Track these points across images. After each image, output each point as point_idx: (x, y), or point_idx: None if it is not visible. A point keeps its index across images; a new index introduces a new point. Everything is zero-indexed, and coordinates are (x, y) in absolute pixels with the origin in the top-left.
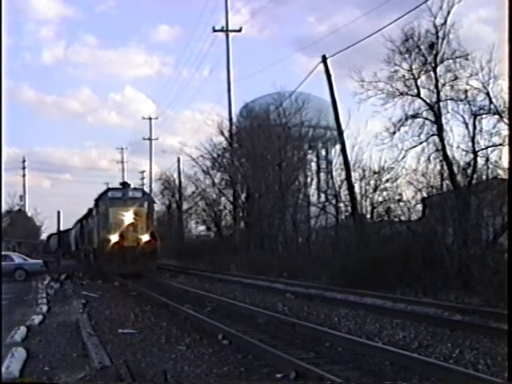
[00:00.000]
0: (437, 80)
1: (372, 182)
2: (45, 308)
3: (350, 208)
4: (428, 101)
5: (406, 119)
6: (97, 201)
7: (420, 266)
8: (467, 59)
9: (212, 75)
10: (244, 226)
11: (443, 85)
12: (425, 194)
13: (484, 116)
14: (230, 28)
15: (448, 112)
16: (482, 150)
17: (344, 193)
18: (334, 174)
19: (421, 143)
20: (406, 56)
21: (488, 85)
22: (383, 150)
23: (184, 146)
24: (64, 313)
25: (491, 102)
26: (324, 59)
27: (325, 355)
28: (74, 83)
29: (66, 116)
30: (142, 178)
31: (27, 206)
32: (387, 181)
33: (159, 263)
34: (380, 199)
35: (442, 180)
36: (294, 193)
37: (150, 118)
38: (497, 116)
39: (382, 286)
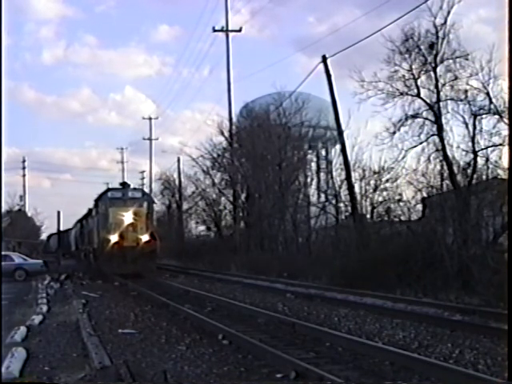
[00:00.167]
0: (437, 80)
1: (372, 182)
2: (45, 308)
3: (350, 208)
4: (428, 101)
5: (406, 119)
6: (97, 201)
7: (420, 266)
8: (467, 59)
9: (212, 75)
10: (244, 226)
11: (443, 85)
12: (425, 194)
13: (484, 116)
14: (229, 28)
15: (448, 112)
16: (482, 149)
17: (344, 193)
18: (334, 173)
19: (421, 143)
20: (406, 56)
21: (488, 85)
22: (383, 150)
23: (184, 146)
24: (64, 313)
25: (491, 102)
26: (324, 59)
27: (325, 355)
28: (74, 83)
29: (65, 116)
30: (142, 178)
31: (27, 206)
32: (387, 181)
33: (159, 263)
34: (380, 199)
35: (442, 180)
36: (294, 193)
37: (150, 118)
38: (497, 116)
39: (381, 286)
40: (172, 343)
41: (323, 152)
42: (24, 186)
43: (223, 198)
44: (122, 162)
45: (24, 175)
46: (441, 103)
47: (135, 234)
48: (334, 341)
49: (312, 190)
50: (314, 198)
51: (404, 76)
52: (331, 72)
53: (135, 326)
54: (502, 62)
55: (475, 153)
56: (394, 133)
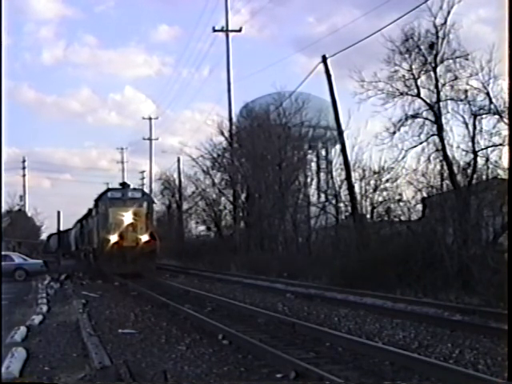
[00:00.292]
0: (437, 80)
1: (372, 182)
2: (45, 308)
3: (350, 208)
4: (428, 101)
5: (406, 119)
6: (96, 201)
7: (420, 266)
8: (467, 59)
9: (212, 75)
10: (244, 226)
11: (443, 85)
12: (425, 194)
13: (484, 116)
14: (229, 28)
15: (448, 112)
16: (482, 149)
17: (344, 193)
18: (334, 173)
19: (421, 143)
20: (406, 56)
21: (488, 85)
22: (383, 150)
23: (184, 146)
24: (64, 313)
25: (491, 102)
26: (324, 59)
27: (325, 355)
28: (73, 83)
29: (65, 116)
30: (142, 178)
31: (27, 206)
32: (387, 181)
33: (159, 263)
34: (380, 199)
35: (442, 180)
36: (294, 193)
37: (150, 118)
38: (497, 116)
39: (381, 286)
40: (172, 343)
41: (323, 152)
42: (24, 186)
43: (223, 198)
44: (122, 162)
45: (24, 175)
46: (441, 103)
47: (135, 234)
48: (334, 341)
49: (312, 190)
50: (314, 198)
51: (404, 76)
52: (331, 72)
53: (135, 326)
54: (502, 62)
55: (475, 153)
56: (394, 133)
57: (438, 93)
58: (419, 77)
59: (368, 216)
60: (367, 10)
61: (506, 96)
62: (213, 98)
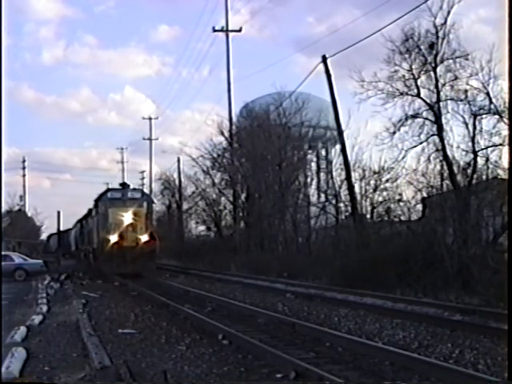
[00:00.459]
0: (437, 80)
1: (372, 182)
2: (45, 308)
3: (350, 208)
4: (428, 101)
5: (406, 119)
6: (96, 201)
7: (420, 266)
8: (467, 59)
9: (212, 75)
10: (244, 226)
11: (443, 85)
12: (425, 194)
13: (484, 116)
14: (229, 28)
15: (448, 112)
16: (482, 149)
17: (344, 193)
18: (334, 173)
19: (421, 143)
20: (406, 56)
21: (488, 85)
22: (383, 150)
23: (184, 146)
24: (64, 313)
25: (491, 102)
26: (324, 59)
27: (325, 355)
28: (73, 83)
29: (65, 116)
30: (142, 178)
31: (27, 206)
32: (387, 181)
33: (159, 263)
34: (380, 199)
35: (442, 180)
36: (294, 193)
37: (150, 118)
38: (497, 116)
39: (381, 286)
40: (172, 343)
41: (323, 152)
42: (24, 186)
43: (223, 198)
44: (122, 162)
45: (24, 175)
46: (441, 103)
47: (135, 234)
48: (334, 341)
49: (312, 190)
50: (314, 198)
51: (404, 76)
52: (331, 72)
53: (135, 326)
54: (502, 62)
55: (475, 153)
56: (394, 133)
57: (438, 93)
58: (419, 77)
59: (368, 216)
60: (367, 10)
61: (506, 96)
62: (213, 98)
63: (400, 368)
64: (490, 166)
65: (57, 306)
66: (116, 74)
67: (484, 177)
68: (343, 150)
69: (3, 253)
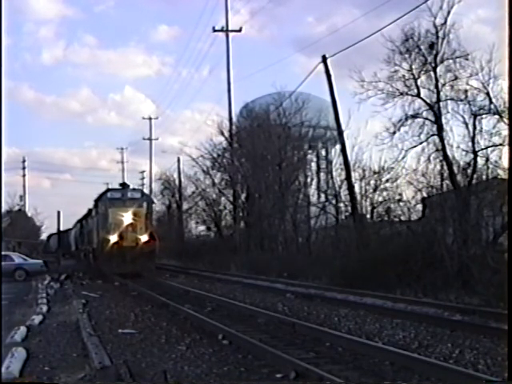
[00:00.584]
0: (437, 80)
1: (372, 182)
2: (45, 308)
3: (350, 208)
4: (428, 101)
5: (406, 119)
6: (96, 201)
7: (420, 266)
8: (467, 59)
9: (212, 75)
10: (244, 225)
11: (443, 85)
12: (425, 194)
13: (484, 116)
14: (229, 28)
15: (448, 112)
16: (482, 149)
17: (344, 193)
18: (334, 173)
19: (421, 143)
20: (406, 56)
21: (488, 85)
22: (383, 150)
23: (184, 146)
24: (64, 313)
25: (491, 102)
26: (324, 59)
27: (325, 355)
28: (73, 83)
29: (65, 116)
30: (142, 178)
31: (27, 206)
32: (387, 181)
33: (159, 263)
34: (380, 199)
35: (442, 180)
36: (294, 193)
37: (150, 118)
38: (497, 116)
39: (381, 286)
40: (172, 343)
41: (323, 152)
42: (24, 186)
43: (223, 198)
44: (122, 162)
45: (24, 175)
46: (441, 103)
47: (134, 234)
48: (334, 341)
49: (312, 190)
50: (314, 198)
51: (404, 76)
52: (331, 72)
53: (135, 326)
54: (502, 62)
55: (475, 153)
56: (394, 133)
57: (438, 93)
58: (419, 77)
59: (368, 216)
60: (367, 10)
61: (506, 96)
62: (213, 98)
63: (400, 368)
64: (490, 166)
65: (57, 305)
66: (116, 74)
67: (484, 177)
68: (343, 150)
69: (3, 253)
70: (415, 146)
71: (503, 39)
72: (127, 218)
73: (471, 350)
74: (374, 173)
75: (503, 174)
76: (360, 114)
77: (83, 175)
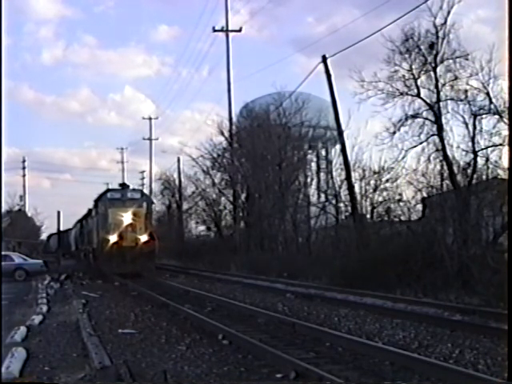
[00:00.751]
0: (437, 80)
1: (372, 182)
2: (45, 308)
3: (350, 208)
4: (428, 101)
5: (406, 119)
6: (96, 201)
7: (420, 266)
8: (467, 59)
9: (212, 75)
10: (244, 226)
11: (443, 85)
12: (425, 194)
13: (484, 116)
14: (229, 28)
15: (448, 112)
16: (482, 149)
17: (344, 193)
18: (334, 173)
19: (421, 143)
20: (406, 56)
21: (488, 85)
22: (383, 150)
23: (184, 146)
24: (64, 313)
25: (491, 102)
26: (324, 59)
27: (325, 355)
28: (73, 83)
29: (65, 116)
30: (142, 178)
31: (27, 206)
32: (387, 181)
33: (159, 263)
34: (380, 199)
35: (442, 180)
36: (294, 193)
37: (150, 118)
38: (497, 116)
39: (381, 286)
40: (172, 343)
41: (323, 152)
42: (24, 186)
43: (223, 198)
44: (122, 162)
45: (24, 175)
46: (441, 103)
47: (134, 234)
48: (334, 341)
49: (312, 190)
50: (314, 198)
51: (404, 76)
52: (331, 72)
53: (135, 326)
54: (502, 62)
55: (475, 153)
56: (394, 133)
57: (438, 93)
58: (419, 77)
59: (368, 216)
60: (367, 10)
61: (506, 96)
62: (213, 98)
63: (400, 368)
64: (490, 166)
65: (57, 305)
66: (116, 74)
67: (484, 177)
68: (343, 150)
69: (3, 253)
70: (415, 146)
71: (503, 39)
72: (127, 218)
73: (471, 350)
74: (374, 173)
75: (503, 174)
76: (360, 114)
77: (83, 175)
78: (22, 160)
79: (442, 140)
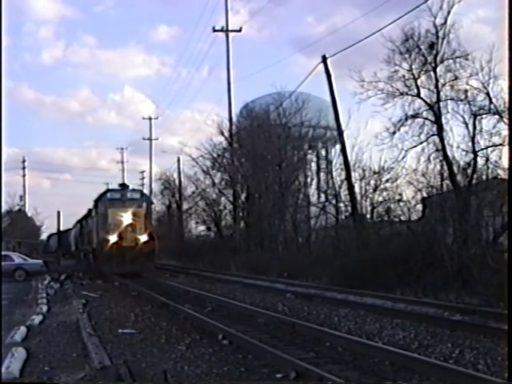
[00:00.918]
0: (437, 80)
1: (372, 182)
2: (45, 308)
3: (350, 208)
4: (428, 101)
5: (406, 119)
6: (96, 202)
7: (420, 266)
8: (467, 59)
9: (212, 75)
10: (244, 226)
11: (443, 85)
12: (425, 194)
13: (484, 116)
14: (229, 28)
15: (448, 112)
16: (482, 149)
17: (344, 193)
18: (334, 174)
19: (421, 143)
20: (406, 56)
21: (488, 85)
22: (383, 150)
23: (184, 146)
24: (64, 313)
25: (491, 102)
26: (324, 59)
27: (325, 355)
28: (73, 83)
29: (65, 116)
30: (142, 178)
31: (27, 206)
32: (387, 181)
33: (159, 263)
34: (380, 199)
35: (442, 180)
36: (294, 193)
37: (150, 118)
38: (497, 116)
39: (381, 286)
40: (172, 343)
41: (323, 152)
42: (24, 186)
43: (223, 198)
44: (122, 162)
45: (24, 175)
46: (441, 103)
47: (134, 234)
48: (334, 341)
49: (312, 190)
50: (314, 198)
51: (404, 76)
52: (331, 72)
53: (135, 326)
54: (502, 62)
55: (475, 153)
56: (394, 133)
57: (438, 93)
58: (419, 77)
59: (368, 216)
60: (367, 10)
61: (506, 96)
62: (213, 98)
63: (400, 368)
64: (490, 166)
65: (57, 306)
66: (115, 74)
67: (484, 177)
68: (343, 150)
69: (3, 253)
70: (415, 146)
71: (503, 39)
72: (127, 218)
73: (471, 350)
74: (374, 173)
75: (503, 174)
76: (360, 114)
77: (83, 175)
78: (22, 160)
79: (441, 140)
